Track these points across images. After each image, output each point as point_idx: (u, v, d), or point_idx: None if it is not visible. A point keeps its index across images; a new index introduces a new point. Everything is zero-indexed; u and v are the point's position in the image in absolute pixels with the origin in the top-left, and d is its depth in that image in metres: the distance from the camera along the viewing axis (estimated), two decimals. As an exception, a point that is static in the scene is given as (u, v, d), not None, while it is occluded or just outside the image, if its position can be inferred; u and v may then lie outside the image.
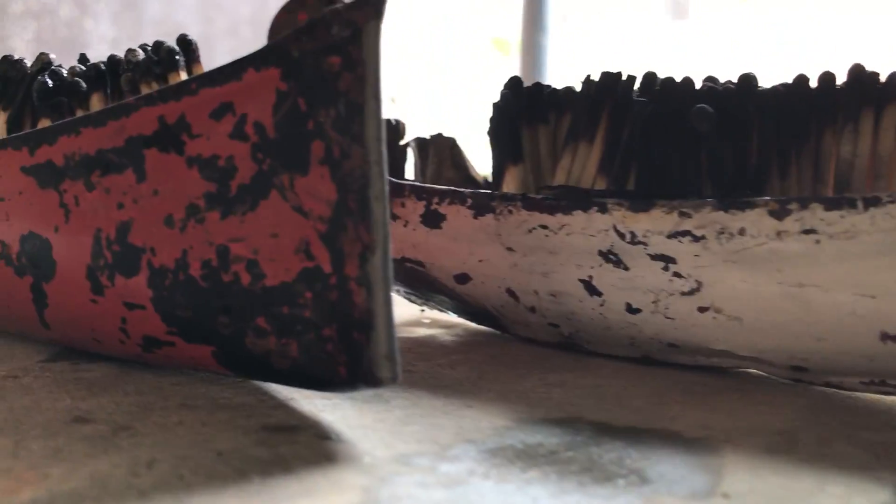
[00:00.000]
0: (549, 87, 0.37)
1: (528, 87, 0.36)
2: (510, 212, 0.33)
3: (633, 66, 0.37)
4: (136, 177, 0.27)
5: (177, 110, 0.26)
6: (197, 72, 0.32)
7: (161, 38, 0.33)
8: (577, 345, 0.36)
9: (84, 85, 0.32)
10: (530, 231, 0.33)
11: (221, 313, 0.26)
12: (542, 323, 0.35)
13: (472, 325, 0.41)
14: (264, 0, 2.41)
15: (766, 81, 0.34)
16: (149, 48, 0.33)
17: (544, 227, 0.33)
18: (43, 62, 0.34)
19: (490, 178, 0.46)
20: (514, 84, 0.36)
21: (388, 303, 0.23)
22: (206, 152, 0.26)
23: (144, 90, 0.31)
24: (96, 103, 0.32)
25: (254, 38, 2.38)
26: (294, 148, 0.25)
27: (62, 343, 0.31)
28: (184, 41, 0.31)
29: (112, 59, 0.33)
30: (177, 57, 0.31)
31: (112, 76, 0.32)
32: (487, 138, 0.38)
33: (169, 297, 0.27)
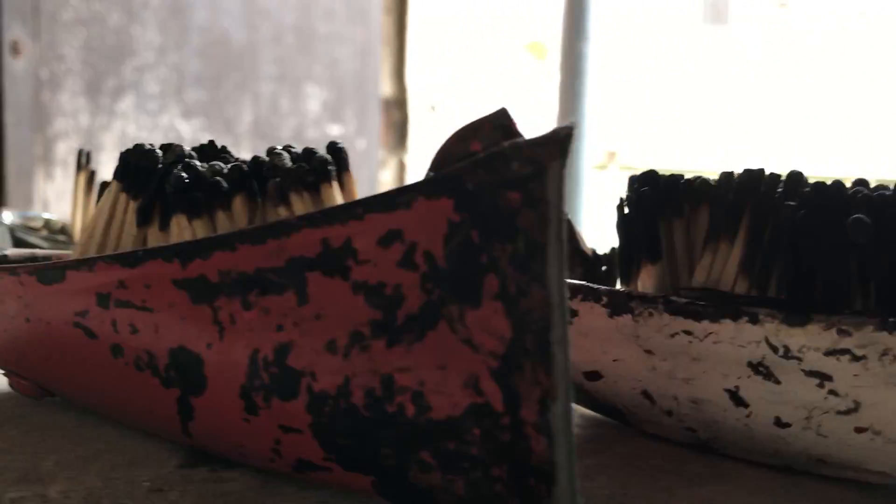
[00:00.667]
0: (681, 177, 0.36)
1: (663, 179, 0.35)
2: (650, 314, 0.32)
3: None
4: (297, 299, 0.26)
5: (342, 234, 0.25)
6: (347, 181, 0.31)
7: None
8: (712, 448, 0.34)
9: (225, 185, 0.32)
10: (672, 336, 0.32)
11: (384, 444, 0.25)
12: (677, 426, 0.34)
13: (588, 411, 0.40)
14: (308, 8, 2.42)
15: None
16: (293, 150, 0.32)
17: (688, 332, 0.32)
18: (176, 154, 0.33)
19: (595, 250, 0.45)
20: (650, 178, 0.35)
21: (572, 454, 0.23)
22: (373, 279, 0.25)
23: (294, 199, 0.30)
24: (239, 207, 0.32)
25: (297, 46, 2.39)
26: (466, 280, 0.24)
27: (202, 450, 0.31)
28: (335, 149, 0.31)
29: (256, 160, 0.32)
30: (329, 167, 0.30)
31: (256, 178, 0.32)
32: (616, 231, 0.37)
33: (329, 423, 0.26)
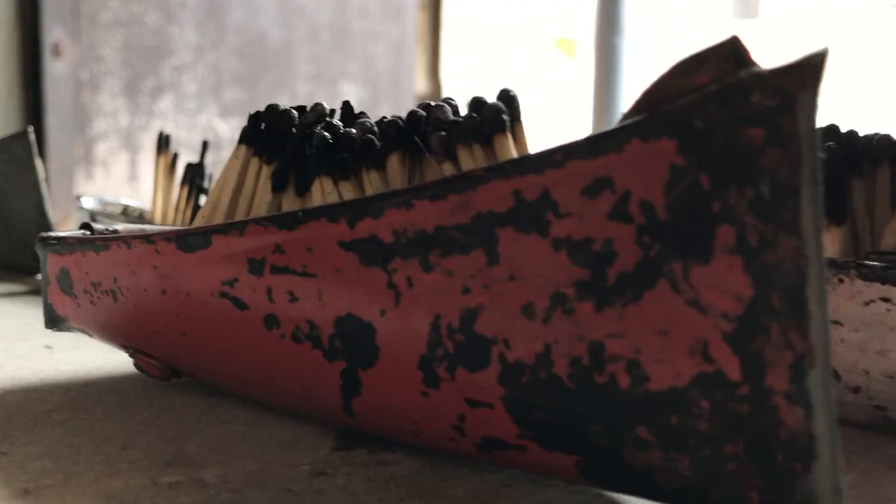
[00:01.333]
0: (856, 133, 0.33)
1: (843, 136, 0.32)
2: (840, 281, 0.29)
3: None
4: (486, 259, 0.23)
5: (538, 185, 0.23)
6: (519, 132, 0.28)
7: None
8: (900, 428, 0.31)
9: (377, 143, 0.29)
10: (866, 304, 0.29)
11: (592, 420, 0.23)
12: (863, 404, 0.31)
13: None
14: (343, 6, 2.41)
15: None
16: (453, 102, 0.29)
17: (886, 300, 0.29)
18: (318, 113, 0.31)
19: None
20: (833, 133, 0.32)
21: (833, 426, 0.20)
22: (577, 234, 0.22)
23: (462, 154, 0.28)
24: (395, 165, 0.29)
25: (333, 44, 2.38)
26: (692, 232, 0.21)
27: (360, 430, 0.28)
28: (506, 97, 0.28)
29: (413, 115, 0.30)
30: (503, 117, 0.27)
31: (414, 134, 0.29)
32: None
33: (526, 396, 0.23)
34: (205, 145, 0.59)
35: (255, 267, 0.27)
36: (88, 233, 0.35)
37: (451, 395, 0.24)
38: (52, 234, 0.33)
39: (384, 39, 2.49)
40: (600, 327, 0.22)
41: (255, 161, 0.32)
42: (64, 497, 0.23)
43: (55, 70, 1.91)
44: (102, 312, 0.32)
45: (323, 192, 0.30)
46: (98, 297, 0.32)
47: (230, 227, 0.27)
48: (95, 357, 0.39)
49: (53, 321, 0.35)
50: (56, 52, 1.89)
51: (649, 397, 0.22)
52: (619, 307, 0.22)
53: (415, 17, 2.62)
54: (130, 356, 0.32)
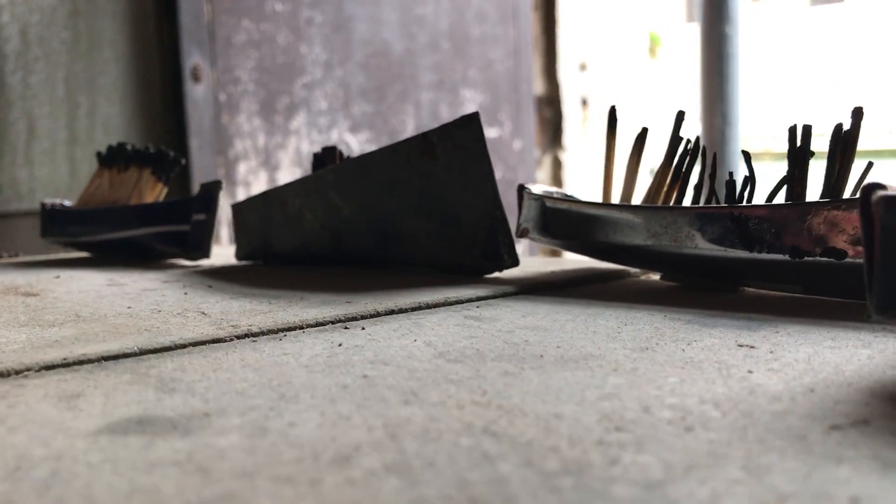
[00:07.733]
0: None
1: None
2: None
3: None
4: None
5: None
6: None
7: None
8: None
9: None
10: None
11: None
12: None
13: None
14: (461, 12, 2.39)
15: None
16: None
17: None
18: None
19: None
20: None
21: None
22: None
23: None
24: None
25: (453, 51, 2.36)
26: None
27: None
28: None
29: None
30: None
31: None
32: None
33: None
34: (680, 115, 0.53)
35: None
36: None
37: None
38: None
39: (502, 43, 2.46)
40: None
41: None
42: None
43: (195, 94, 1.94)
44: None
45: None
46: None
47: None
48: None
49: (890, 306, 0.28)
50: (195, 76, 1.92)
51: None
52: None
53: (531, 18, 2.59)
54: None
